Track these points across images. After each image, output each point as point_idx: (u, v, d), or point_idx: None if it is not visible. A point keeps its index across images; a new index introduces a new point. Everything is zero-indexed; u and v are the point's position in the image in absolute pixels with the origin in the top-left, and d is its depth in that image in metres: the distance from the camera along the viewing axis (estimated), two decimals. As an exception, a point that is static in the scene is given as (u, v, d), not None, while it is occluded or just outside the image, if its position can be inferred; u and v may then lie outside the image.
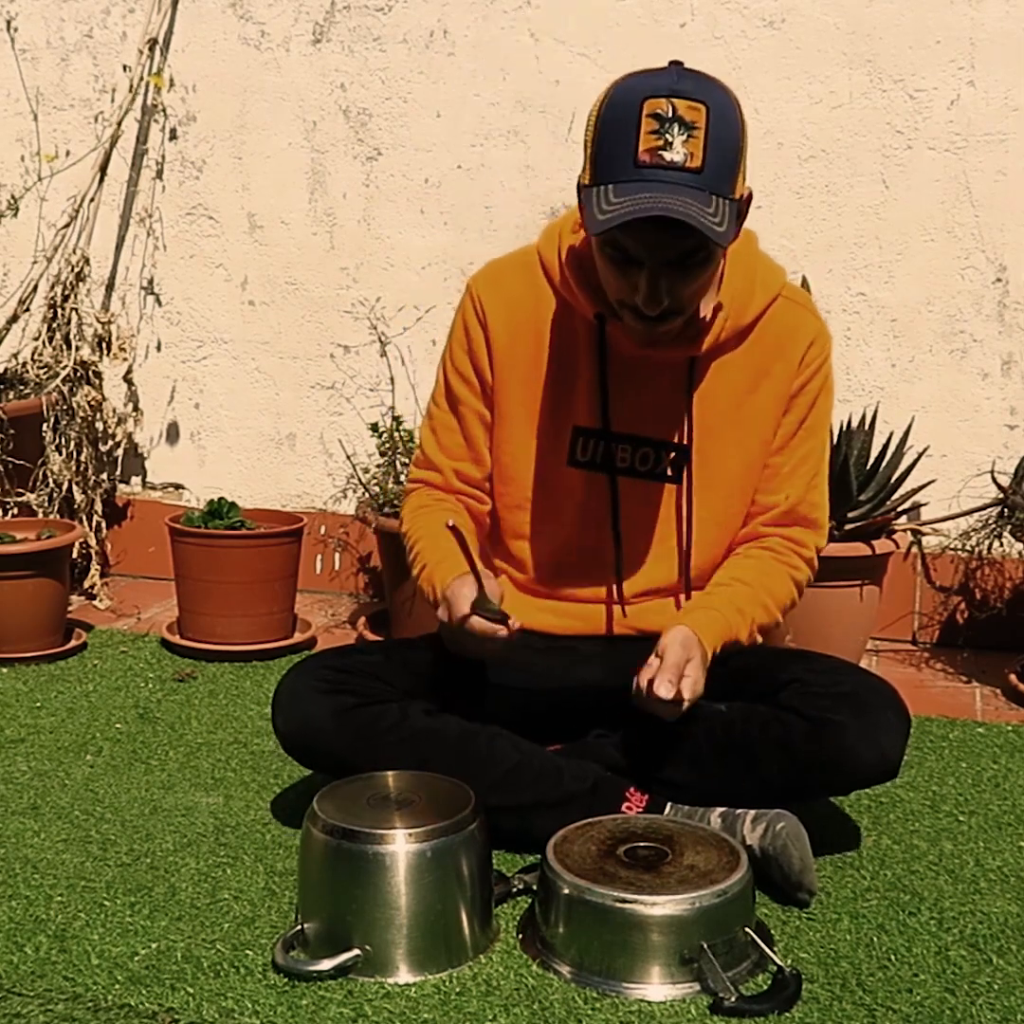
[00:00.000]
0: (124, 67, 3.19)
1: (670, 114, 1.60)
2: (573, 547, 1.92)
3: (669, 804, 1.80)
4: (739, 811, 1.76)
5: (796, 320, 1.89)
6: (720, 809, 1.77)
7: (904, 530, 2.77)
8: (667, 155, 1.60)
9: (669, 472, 1.89)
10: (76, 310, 3.12)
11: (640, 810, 1.79)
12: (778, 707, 1.80)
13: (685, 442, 1.88)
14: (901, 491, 2.68)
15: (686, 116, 1.60)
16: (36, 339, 3.12)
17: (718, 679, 1.90)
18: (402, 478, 2.81)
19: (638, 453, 1.89)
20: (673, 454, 1.89)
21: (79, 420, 3.08)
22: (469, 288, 1.92)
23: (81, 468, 3.10)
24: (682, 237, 1.62)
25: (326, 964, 1.50)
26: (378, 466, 2.92)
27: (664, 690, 1.69)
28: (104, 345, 3.16)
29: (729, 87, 1.67)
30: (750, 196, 1.73)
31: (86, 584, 3.07)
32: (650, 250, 1.66)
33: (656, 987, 1.48)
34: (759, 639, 1.90)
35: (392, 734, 1.83)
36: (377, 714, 1.84)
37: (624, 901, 1.49)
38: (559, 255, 1.85)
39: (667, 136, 1.60)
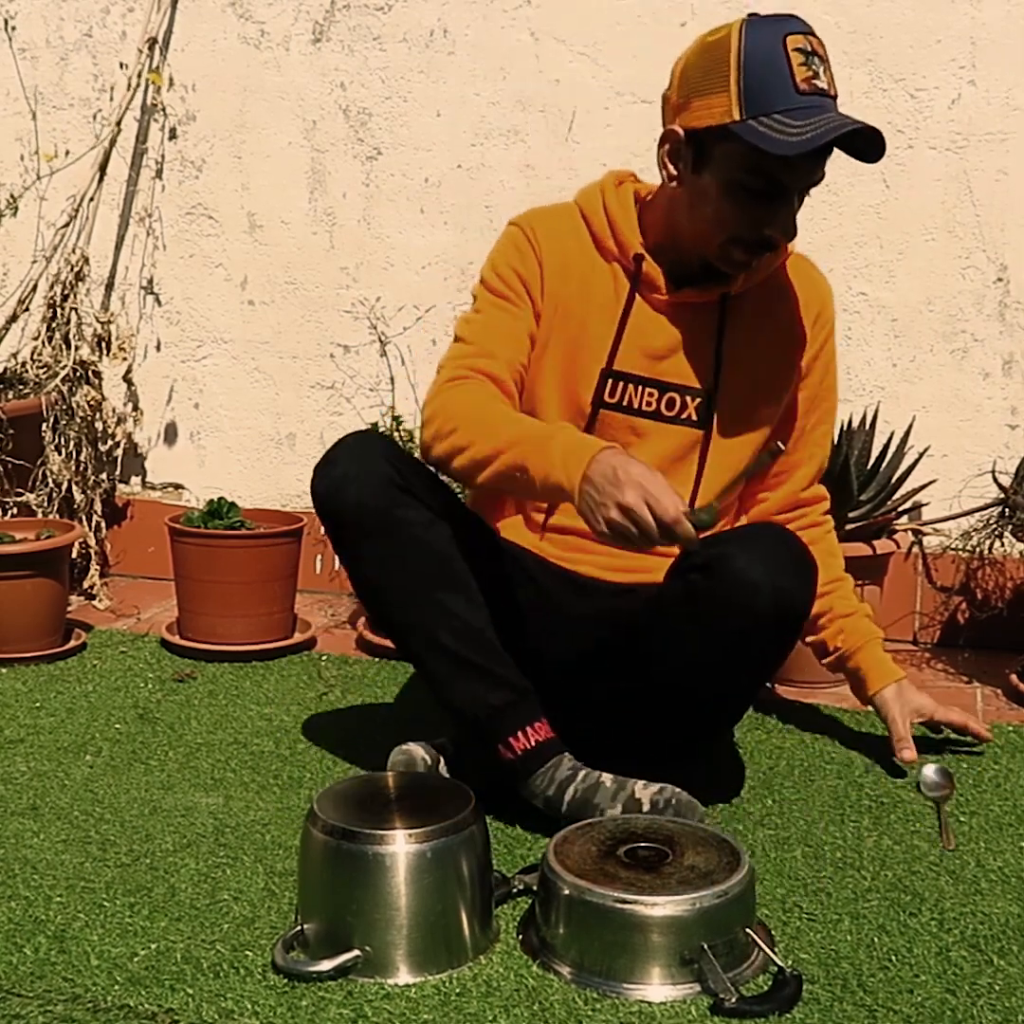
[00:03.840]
0: (122, 65, 3.19)
1: (809, 49, 1.78)
2: None
3: (567, 755, 1.84)
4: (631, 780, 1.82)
5: (811, 275, 2.05)
6: (610, 776, 1.83)
7: (905, 530, 2.77)
8: (818, 83, 1.78)
9: (695, 417, 1.97)
10: (75, 310, 3.11)
11: (529, 747, 1.83)
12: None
13: (711, 387, 1.96)
14: (902, 491, 2.68)
15: (818, 50, 1.79)
16: (35, 339, 3.12)
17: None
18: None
19: (664, 397, 1.96)
20: (699, 400, 1.96)
21: (79, 420, 3.07)
22: (518, 224, 1.98)
23: (81, 468, 3.10)
24: (822, 163, 1.81)
25: (326, 965, 1.49)
26: (378, 466, 2.92)
27: (908, 754, 2.08)
28: (104, 345, 3.16)
29: None
30: None
31: (86, 584, 3.07)
32: (804, 176, 1.82)
33: (656, 988, 1.48)
34: None
35: (413, 529, 1.84)
36: (414, 509, 1.85)
37: (624, 902, 1.49)
38: (604, 205, 1.96)
39: (813, 67, 1.78)
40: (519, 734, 1.84)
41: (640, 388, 1.95)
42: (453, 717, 1.93)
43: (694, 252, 1.91)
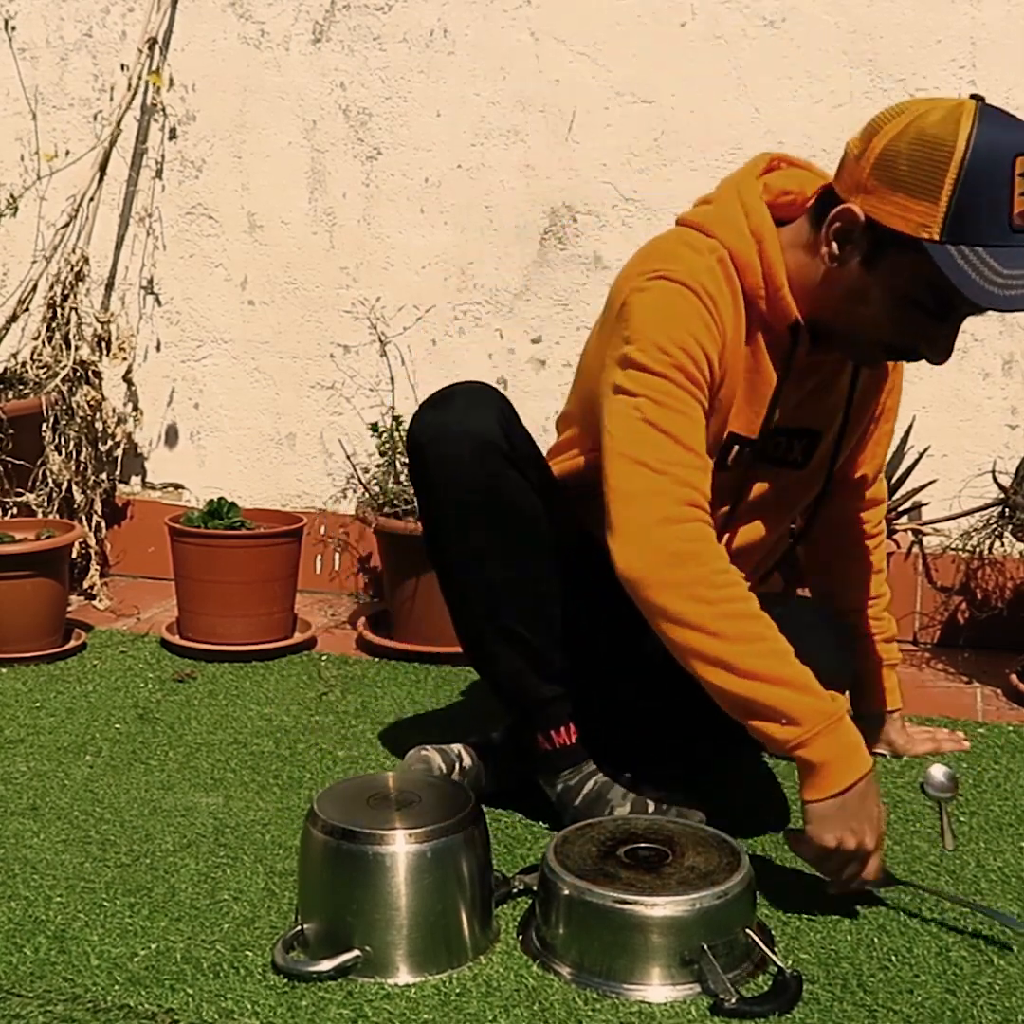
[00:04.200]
0: (123, 66, 3.19)
1: None
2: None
3: (592, 763, 1.87)
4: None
5: None
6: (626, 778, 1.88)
7: (905, 530, 2.77)
8: None
9: (799, 459, 1.92)
10: (75, 310, 3.11)
11: (568, 744, 1.86)
12: None
13: (832, 431, 1.91)
14: (902, 491, 2.68)
15: None
16: (35, 339, 3.12)
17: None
18: (402, 477, 2.81)
19: (772, 440, 1.86)
20: (805, 441, 1.90)
21: (79, 420, 3.08)
22: (694, 290, 1.71)
23: (81, 468, 3.10)
24: None
25: (326, 965, 1.49)
26: (378, 466, 2.92)
27: None
28: (104, 345, 3.16)
29: None
30: None
31: (86, 584, 3.07)
32: (980, 311, 1.66)
33: (656, 988, 1.48)
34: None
35: (507, 503, 1.80)
36: (513, 482, 1.81)
37: (624, 902, 1.49)
38: (762, 260, 1.75)
39: None
40: (561, 729, 1.87)
41: (758, 444, 1.85)
42: (497, 691, 1.93)
43: (831, 325, 1.76)
